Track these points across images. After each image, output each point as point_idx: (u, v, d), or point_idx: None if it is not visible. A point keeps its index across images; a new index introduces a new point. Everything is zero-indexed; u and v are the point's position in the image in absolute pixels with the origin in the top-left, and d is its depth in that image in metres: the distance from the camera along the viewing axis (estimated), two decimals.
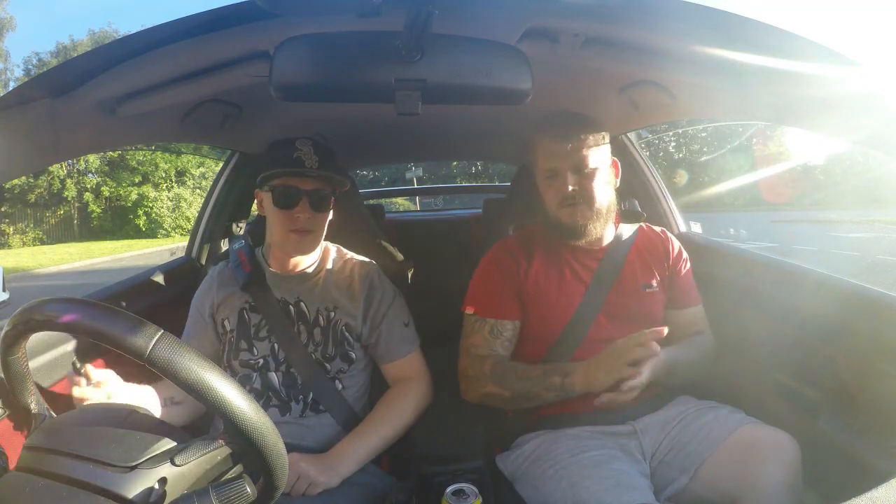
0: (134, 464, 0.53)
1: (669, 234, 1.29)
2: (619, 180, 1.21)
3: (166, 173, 20.93)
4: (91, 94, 0.84)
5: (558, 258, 1.19)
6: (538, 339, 1.16)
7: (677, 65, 0.92)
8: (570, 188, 1.09)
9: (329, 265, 1.19)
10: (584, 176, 1.10)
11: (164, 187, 20.77)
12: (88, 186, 20.50)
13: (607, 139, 1.15)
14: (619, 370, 0.96)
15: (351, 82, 0.77)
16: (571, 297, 1.16)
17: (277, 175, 1.08)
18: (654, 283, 1.20)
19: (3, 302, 0.82)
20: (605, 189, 1.13)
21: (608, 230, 1.21)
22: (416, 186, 6.18)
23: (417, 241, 2.17)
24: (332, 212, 1.15)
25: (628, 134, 1.76)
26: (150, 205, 20.11)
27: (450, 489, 0.97)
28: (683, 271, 1.25)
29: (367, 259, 1.25)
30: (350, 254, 1.25)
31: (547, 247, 1.21)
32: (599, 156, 1.12)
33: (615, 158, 1.19)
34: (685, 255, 1.27)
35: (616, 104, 1.35)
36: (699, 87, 1.04)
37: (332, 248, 1.24)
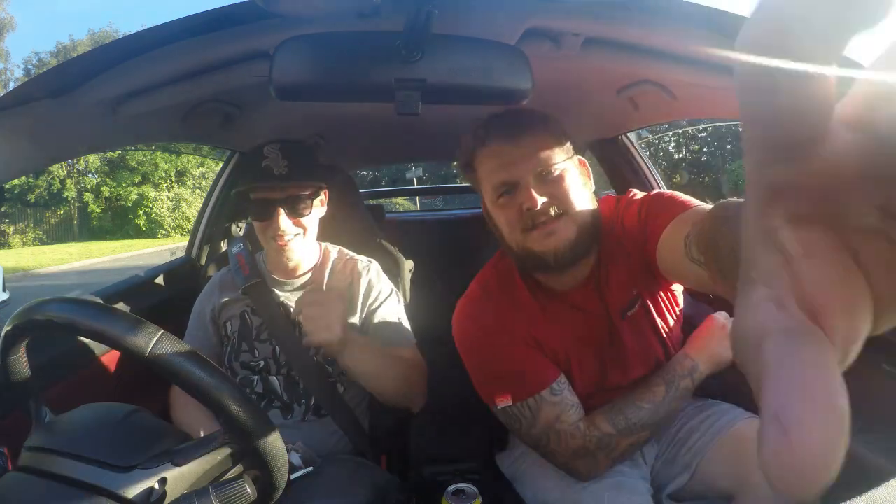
0: (134, 464, 0.53)
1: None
2: (592, 181, 0.92)
3: (166, 173, 20.94)
4: (91, 94, 0.84)
5: (543, 308, 0.93)
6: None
7: (677, 65, 0.92)
8: (540, 201, 0.81)
9: (329, 268, 1.18)
10: (553, 182, 0.83)
11: (164, 187, 20.78)
12: (88, 186, 20.53)
13: (567, 134, 0.89)
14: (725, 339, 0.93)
15: (351, 82, 0.77)
16: (568, 356, 0.94)
17: (247, 188, 1.05)
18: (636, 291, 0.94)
19: (3, 302, 0.82)
20: (582, 194, 0.85)
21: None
22: (416, 186, 6.18)
23: (417, 241, 2.17)
24: (324, 209, 1.13)
25: (628, 134, 1.77)
26: (150, 205, 20.11)
27: (450, 489, 0.97)
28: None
29: (368, 259, 1.23)
30: (350, 254, 1.23)
31: (527, 291, 0.94)
32: (565, 154, 0.86)
33: (581, 157, 0.92)
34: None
35: (616, 104, 1.35)
36: (699, 87, 1.04)
37: (333, 250, 1.22)
